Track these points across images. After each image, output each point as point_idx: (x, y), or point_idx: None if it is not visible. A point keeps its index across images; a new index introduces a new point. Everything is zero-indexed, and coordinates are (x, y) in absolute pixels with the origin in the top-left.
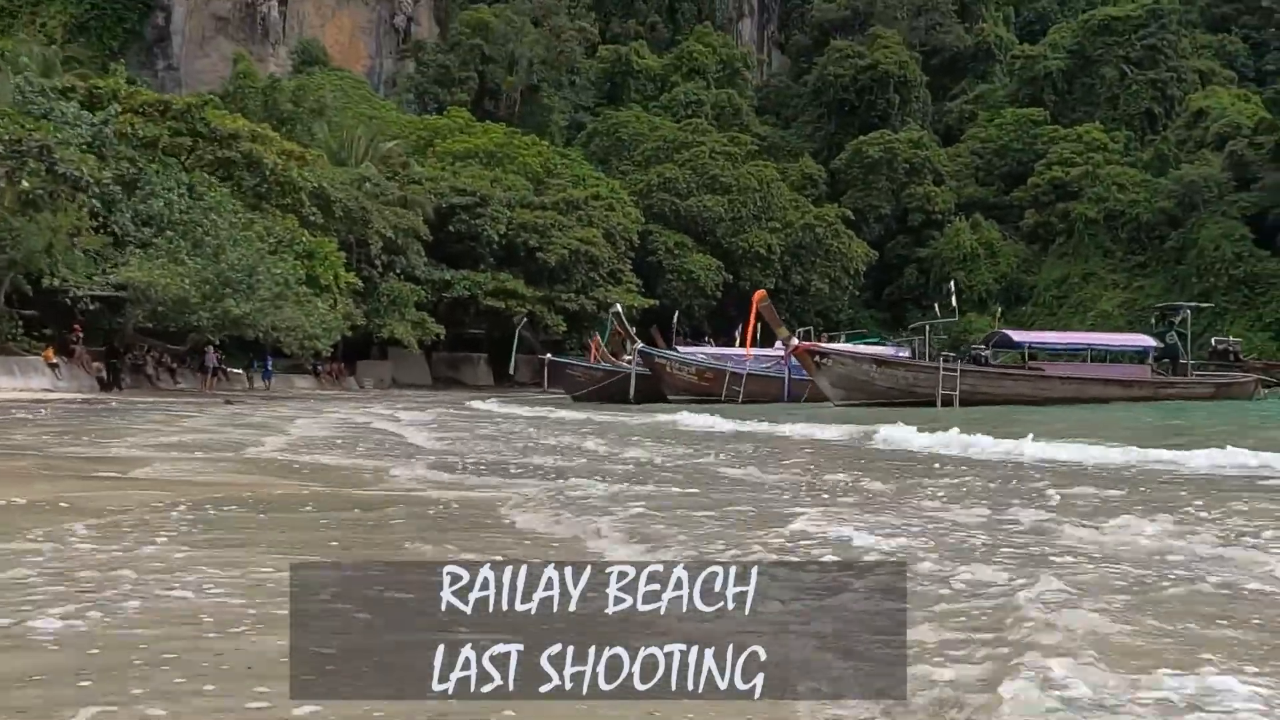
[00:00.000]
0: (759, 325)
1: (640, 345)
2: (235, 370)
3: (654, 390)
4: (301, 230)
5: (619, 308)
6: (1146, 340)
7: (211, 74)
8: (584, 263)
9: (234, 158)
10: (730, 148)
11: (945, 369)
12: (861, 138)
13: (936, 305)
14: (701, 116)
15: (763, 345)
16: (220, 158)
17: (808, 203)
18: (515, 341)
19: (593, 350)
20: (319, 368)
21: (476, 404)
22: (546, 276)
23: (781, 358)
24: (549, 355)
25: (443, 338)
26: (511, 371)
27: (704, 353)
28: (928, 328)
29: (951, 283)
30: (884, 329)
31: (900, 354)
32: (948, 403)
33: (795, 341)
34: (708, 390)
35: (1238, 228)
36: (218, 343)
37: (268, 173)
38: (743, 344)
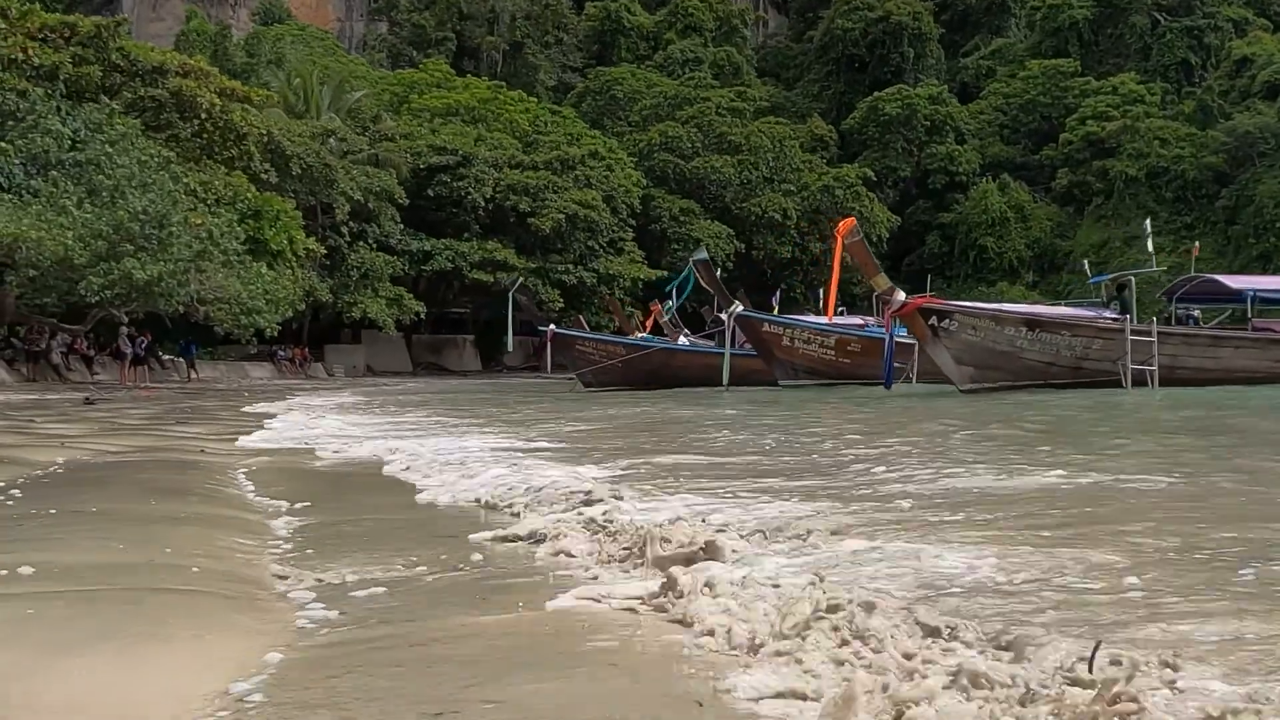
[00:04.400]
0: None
1: (740, 306)
2: (169, 357)
3: (747, 372)
4: (248, 187)
5: (704, 252)
6: None
7: (167, 38)
8: (582, 230)
9: (160, 96)
10: (738, 103)
11: (1136, 332)
12: (877, 94)
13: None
14: (699, 76)
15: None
16: (143, 96)
17: (823, 164)
18: (510, 308)
19: (625, 323)
20: (279, 353)
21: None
22: (540, 245)
23: (865, 325)
24: (552, 327)
25: (423, 317)
26: (509, 348)
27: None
28: (1133, 280)
29: (1147, 222)
30: None
31: (1104, 314)
32: (1140, 382)
33: (902, 297)
34: (848, 371)
35: None
36: (127, 320)
37: (203, 115)
38: (822, 307)
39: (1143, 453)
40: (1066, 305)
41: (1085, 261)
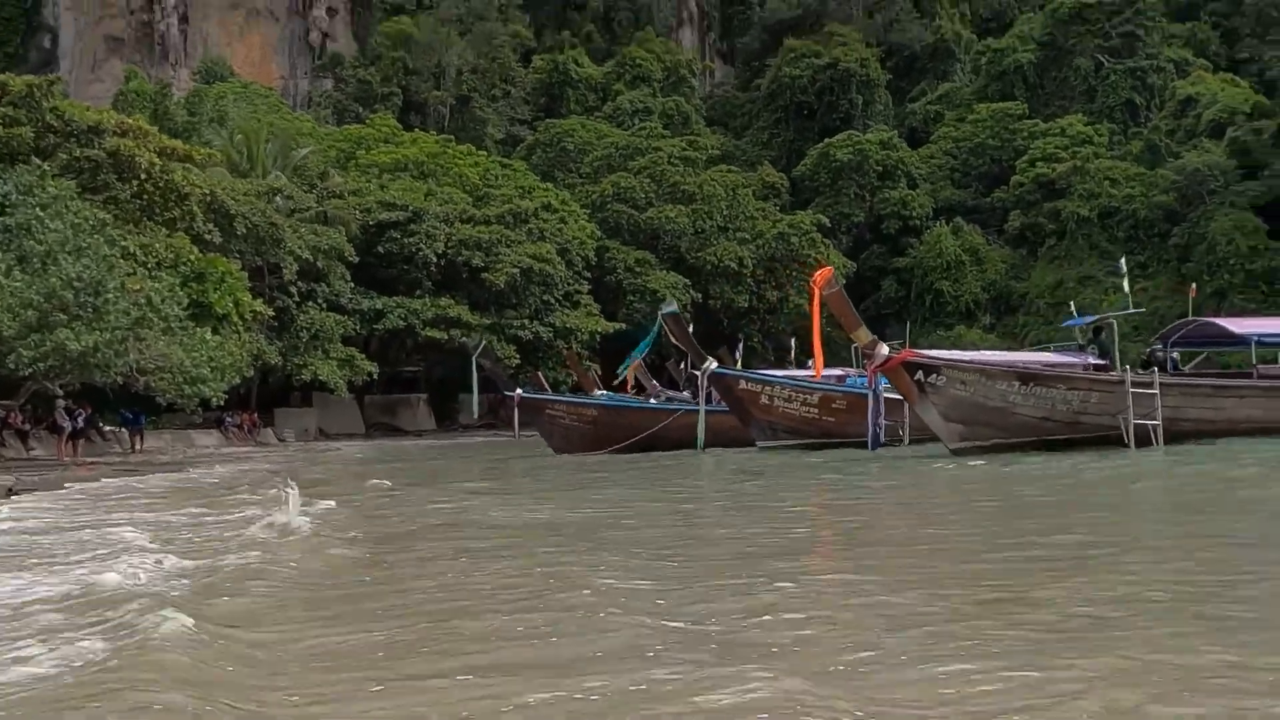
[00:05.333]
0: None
1: (714, 363)
2: (111, 429)
3: (723, 432)
4: (190, 249)
5: (674, 305)
6: None
7: (107, 99)
8: (536, 283)
9: (97, 157)
10: (690, 152)
11: (1137, 382)
12: (828, 140)
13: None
14: (650, 126)
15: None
16: (79, 157)
17: (776, 211)
18: (474, 370)
19: (585, 378)
20: (227, 420)
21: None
22: (494, 301)
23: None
24: (519, 391)
25: (375, 378)
26: (475, 415)
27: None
28: (1114, 322)
29: (1122, 261)
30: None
31: (1088, 359)
32: (1144, 440)
33: (885, 351)
34: (833, 430)
35: (1250, 219)
36: (62, 393)
37: (143, 175)
38: (802, 359)
39: None
40: (1052, 351)
41: (1072, 303)
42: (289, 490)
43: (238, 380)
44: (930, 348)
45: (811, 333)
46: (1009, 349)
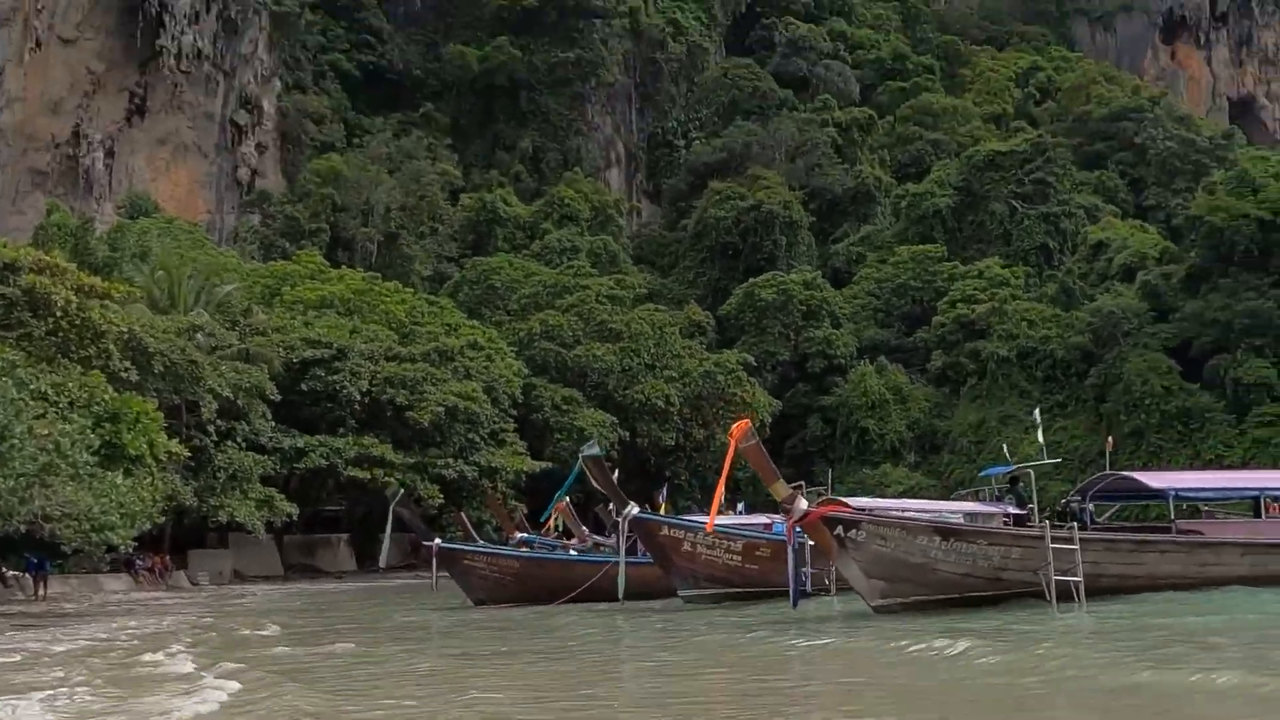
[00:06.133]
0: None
1: (635, 508)
2: (14, 574)
3: (645, 582)
4: (105, 388)
5: (596, 447)
6: None
7: (28, 232)
8: (462, 422)
9: (12, 295)
10: (617, 290)
11: (1057, 538)
12: (753, 280)
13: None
14: (578, 264)
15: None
16: None
17: (702, 349)
18: (389, 522)
19: (506, 523)
20: (138, 563)
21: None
22: (418, 439)
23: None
24: (437, 541)
25: (295, 518)
26: (381, 565)
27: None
28: (1032, 474)
29: (1036, 411)
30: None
31: (1008, 509)
32: (1066, 595)
33: (804, 505)
34: (757, 579)
35: (1163, 360)
36: None
37: (58, 313)
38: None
39: None
40: (970, 500)
41: (1005, 446)
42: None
43: (148, 525)
44: (856, 486)
45: (719, 483)
46: (934, 489)
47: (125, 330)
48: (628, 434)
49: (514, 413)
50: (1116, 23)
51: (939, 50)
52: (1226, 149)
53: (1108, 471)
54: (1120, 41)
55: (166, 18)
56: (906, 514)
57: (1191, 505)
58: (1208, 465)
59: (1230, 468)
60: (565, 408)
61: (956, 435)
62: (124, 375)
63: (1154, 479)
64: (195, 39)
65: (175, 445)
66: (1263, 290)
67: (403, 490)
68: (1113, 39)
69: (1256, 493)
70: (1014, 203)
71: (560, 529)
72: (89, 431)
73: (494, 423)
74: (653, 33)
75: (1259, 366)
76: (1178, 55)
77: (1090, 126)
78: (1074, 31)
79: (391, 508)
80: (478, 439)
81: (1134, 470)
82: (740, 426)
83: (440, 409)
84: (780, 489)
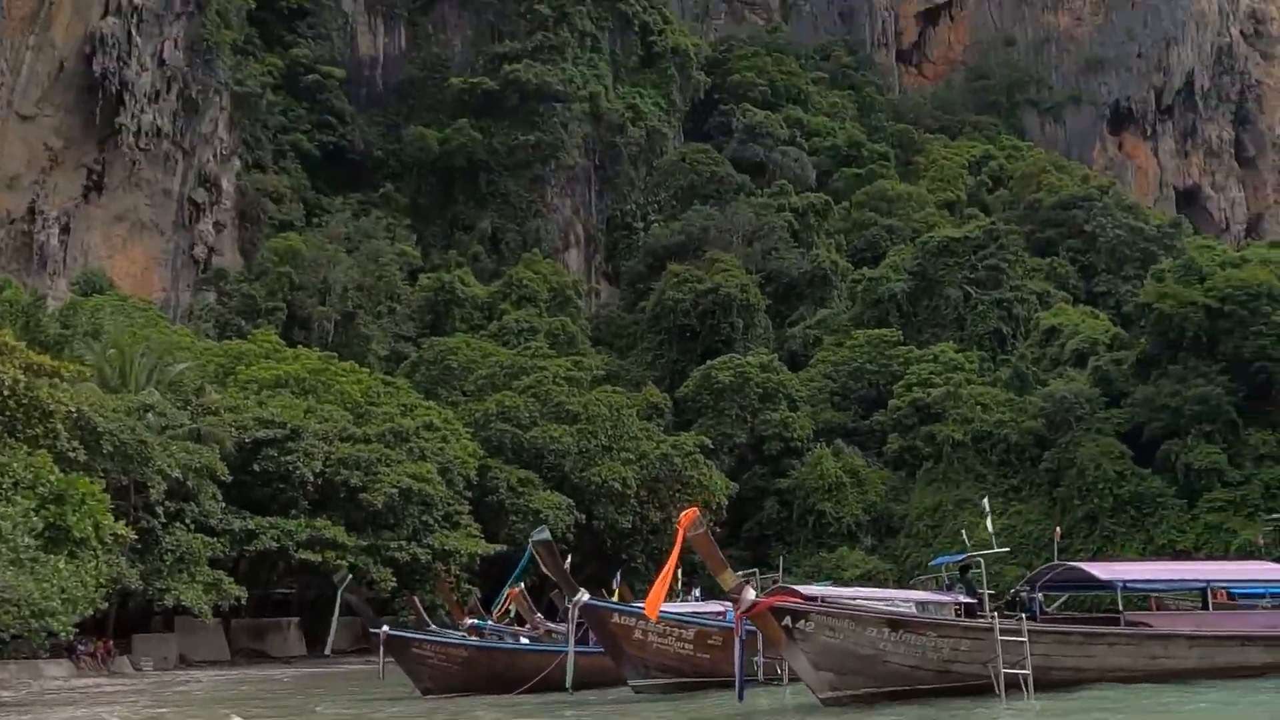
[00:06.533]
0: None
1: (585, 595)
2: None
3: (596, 670)
4: (51, 468)
5: (546, 532)
6: None
7: None
8: (416, 504)
9: None
10: (575, 372)
11: (1004, 629)
12: (710, 363)
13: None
14: (535, 344)
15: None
16: None
17: (659, 431)
18: (337, 608)
19: (457, 609)
20: (80, 648)
21: None
22: (371, 521)
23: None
24: (385, 628)
25: (244, 601)
26: (328, 652)
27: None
28: (982, 562)
29: (985, 501)
30: (742, 568)
31: (959, 598)
32: (1014, 687)
33: (751, 596)
34: (708, 669)
35: (1115, 445)
36: None
37: (5, 393)
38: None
39: None
40: (918, 589)
41: (964, 531)
42: None
43: (90, 611)
44: (813, 570)
45: (665, 571)
46: (891, 572)
47: (74, 409)
48: (584, 517)
49: (469, 494)
50: (1065, 114)
51: (893, 138)
52: (1174, 238)
53: (1056, 562)
54: (1069, 132)
55: (127, 96)
56: (857, 603)
57: (1140, 596)
58: (1160, 550)
59: (1183, 553)
60: (521, 490)
61: (913, 519)
62: (72, 455)
63: (1102, 570)
64: (155, 117)
65: (122, 527)
66: (1211, 377)
67: (350, 575)
68: (1062, 130)
69: (1204, 584)
70: (968, 288)
71: (514, 615)
72: (33, 514)
73: (448, 505)
74: (612, 117)
75: (1209, 452)
76: (1125, 146)
77: (1041, 214)
78: (1024, 122)
79: (340, 593)
80: (432, 521)
81: (1086, 557)
82: (688, 515)
83: (394, 490)
84: (728, 578)
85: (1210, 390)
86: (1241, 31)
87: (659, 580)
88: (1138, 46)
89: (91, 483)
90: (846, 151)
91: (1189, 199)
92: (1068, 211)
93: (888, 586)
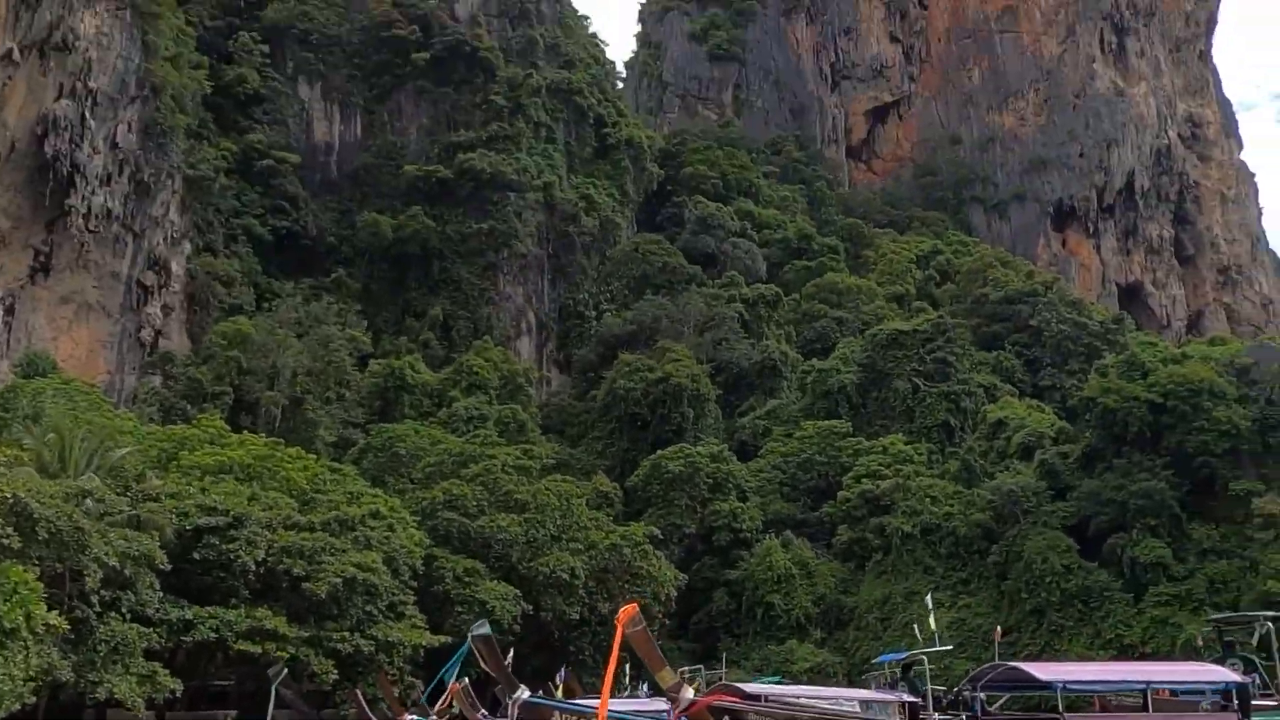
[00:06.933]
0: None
1: (525, 692)
2: None
3: None
4: None
5: (486, 627)
6: (1223, 674)
7: None
8: (360, 594)
9: None
10: (524, 460)
11: None
12: (660, 452)
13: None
14: (485, 432)
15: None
16: None
17: (609, 521)
18: (271, 702)
19: (395, 705)
20: None
21: None
22: (314, 611)
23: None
24: None
25: (179, 694)
26: None
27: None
28: (925, 659)
29: (929, 597)
30: (691, 660)
31: (903, 697)
32: None
33: (690, 695)
34: None
35: (1062, 539)
36: None
37: None
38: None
39: None
40: (867, 686)
41: (915, 624)
42: None
43: (18, 705)
44: (762, 663)
45: (608, 670)
46: (841, 665)
47: (9, 495)
48: (531, 607)
49: (414, 584)
50: (1010, 211)
51: (843, 232)
52: (1117, 333)
53: (997, 662)
54: (1014, 229)
55: (78, 178)
56: (800, 703)
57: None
58: (1108, 645)
59: (1130, 647)
60: (467, 580)
61: (863, 611)
62: (5, 542)
63: (1042, 670)
64: (106, 199)
65: (54, 617)
66: (1155, 471)
67: (286, 669)
68: (1007, 226)
69: (1143, 685)
70: (916, 380)
71: (456, 712)
72: None
73: (393, 594)
74: (566, 207)
75: (1154, 546)
76: (1069, 243)
77: (988, 308)
78: (971, 218)
79: (274, 687)
80: (376, 611)
81: (1034, 651)
82: (626, 611)
83: (338, 580)
84: (666, 676)
85: (1154, 485)
86: (1179, 134)
87: (605, 681)
88: (1080, 147)
89: (25, 571)
90: (797, 244)
91: (1131, 295)
92: (1013, 306)
93: (837, 680)
